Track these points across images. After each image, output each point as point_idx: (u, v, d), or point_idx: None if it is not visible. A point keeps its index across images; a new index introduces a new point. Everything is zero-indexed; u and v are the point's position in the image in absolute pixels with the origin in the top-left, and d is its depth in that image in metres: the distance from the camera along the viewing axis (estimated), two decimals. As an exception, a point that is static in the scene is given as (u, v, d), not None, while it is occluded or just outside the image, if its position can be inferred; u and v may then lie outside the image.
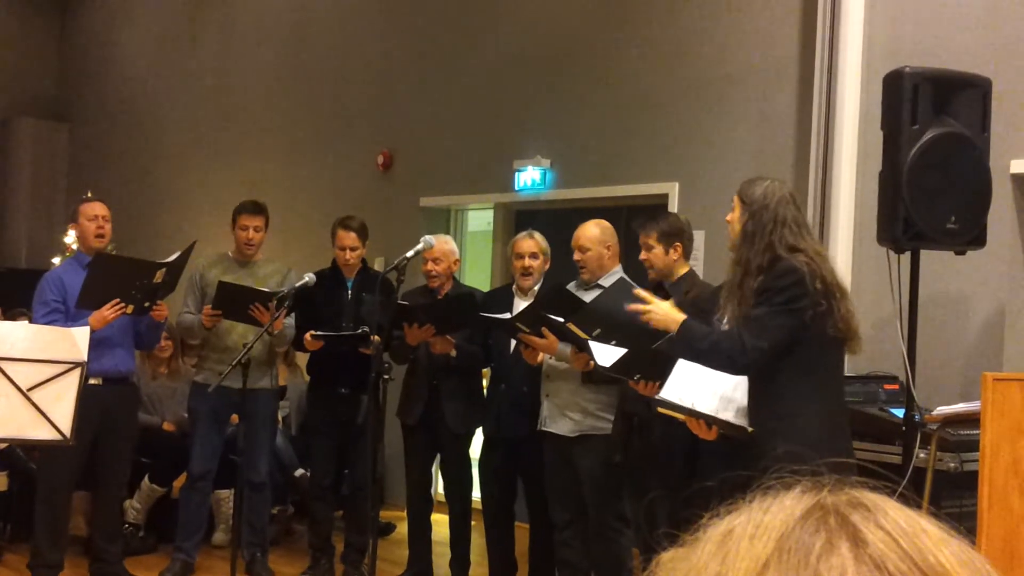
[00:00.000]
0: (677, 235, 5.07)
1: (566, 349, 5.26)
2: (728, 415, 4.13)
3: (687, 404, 4.10)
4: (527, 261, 5.88)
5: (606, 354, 4.49)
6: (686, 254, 5.14)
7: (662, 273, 5.10)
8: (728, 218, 4.22)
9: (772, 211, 4.03)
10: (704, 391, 4.16)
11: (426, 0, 9.16)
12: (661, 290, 5.11)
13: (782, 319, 3.92)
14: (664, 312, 4.16)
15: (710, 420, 4.10)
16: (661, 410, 4.19)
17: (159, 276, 5.86)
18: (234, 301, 6.04)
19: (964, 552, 0.74)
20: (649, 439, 4.86)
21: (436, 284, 6.21)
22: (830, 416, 4.05)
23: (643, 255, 5.12)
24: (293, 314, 6.26)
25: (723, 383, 4.17)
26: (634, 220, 5.38)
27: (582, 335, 4.85)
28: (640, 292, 4.33)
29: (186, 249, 6.08)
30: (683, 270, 5.12)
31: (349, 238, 6.42)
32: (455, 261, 6.32)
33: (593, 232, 5.55)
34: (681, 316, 4.11)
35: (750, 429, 4.06)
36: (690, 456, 4.57)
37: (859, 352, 4.14)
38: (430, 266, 6.18)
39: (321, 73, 9.99)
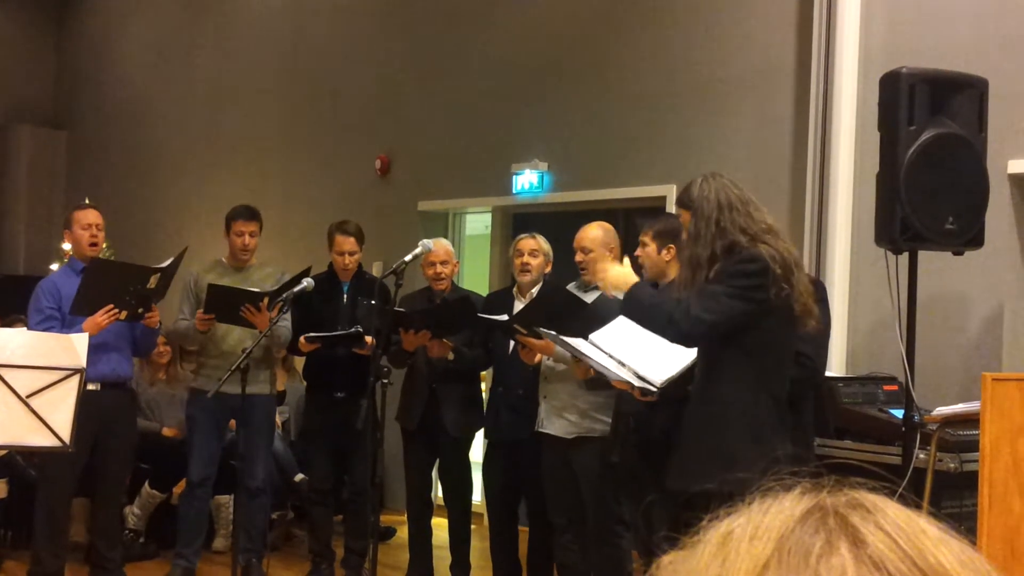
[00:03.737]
0: (672, 236, 5.06)
1: (563, 351, 5.27)
2: (633, 371, 4.22)
3: (574, 344, 4.18)
4: (526, 258, 5.89)
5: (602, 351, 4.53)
6: (680, 256, 5.13)
7: (652, 272, 5.11)
8: (684, 237, 4.22)
9: (713, 201, 4.02)
10: (629, 346, 4.23)
11: (423, 5, 9.17)
12: (654, 289, 5.12)
13: (736, 302, 3.89)
14: (618, 273, 4.18)
15: (592, 366, 4.18)
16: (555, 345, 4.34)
17: (152, 282, 5.87)
18: (225, 303, 6.03)
19: (964, 552, 0.74)
20: (647, 441, 4.86)
21: (443, 287, 6.22)
22: (766, 407, 4.01)
23: (638, 251, 5.13)
24: (288, 313, 6.24)
25: (656, 347, 4.22)
26: (637, 219, 5.40)
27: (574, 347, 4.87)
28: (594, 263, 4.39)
29: (178, 255, 6.08)
30: (677, 271, 5.11)
31: (348, 243, 6.42)
32: (456, 262, 6.35)
33: (596, 234, 5.55)
34: (635, 278, 4.13)
35: (650, 387, 4.16)
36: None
37: (812, 326, 4.08)
38: (439, 268, 6.18)
39: (318, 78, 10.00)
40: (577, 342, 4.45)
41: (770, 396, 4.02)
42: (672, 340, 4.07)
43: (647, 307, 4.04)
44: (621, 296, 4.24)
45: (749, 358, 3.97)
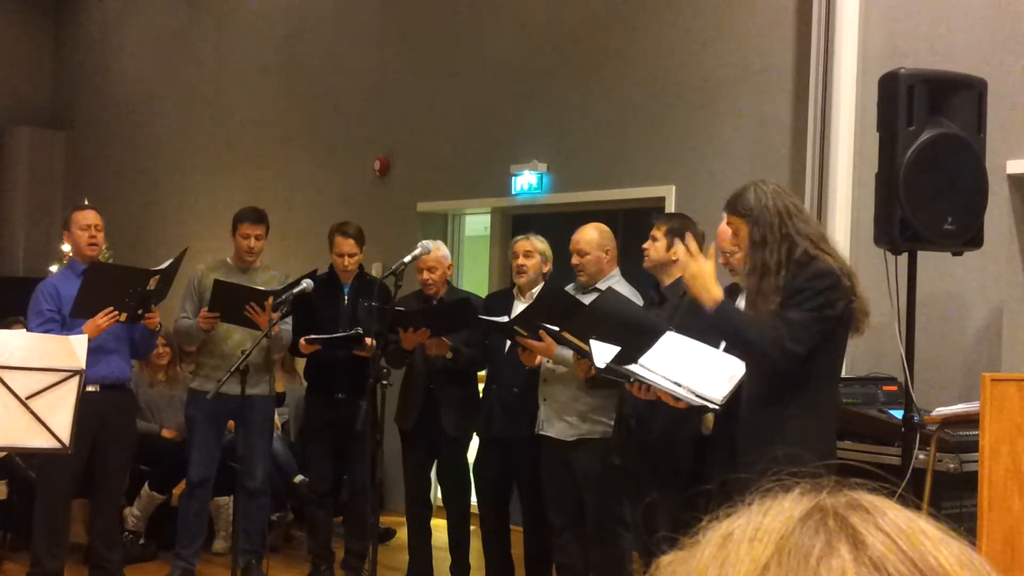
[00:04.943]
0: (683, 237, 5.06)
1: (564, 352, 5.27)
2: (690, 390, 4.17)
3: (635, 370, 4.13)
4: (521, 260, 5.89)
5: (605, 355, 4.49)
6: None
7: (655, 266, 5.11)
8: (733, 243, 4.18)
9: (773, 208, 4.01)
10: (680, 365, 4.19)
11: (422, 6, 9.17)
12: (657, 291, 5.12)
13: (819, 325, 3.92)
14: (706, 279, 4.04)
15: (675, 395, 4.12)
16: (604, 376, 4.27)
17: (152, 283, 5.87)
18: (230, 301, 6.03)
19: (964, 553, 0.74)
20: (647, 441, 4.87)
21: (432, 291, 6.23)
22: (830, 417, 4.08)
23: (646, 244, 5.13)
24: (290, 317, 6.25)
25: (706, 360, 4.19)
26: (653, 212, 5.39)
27: (578, 343, 4.85)
28: (692, 245, 4.22)
29: (178, 256, 6.08)
30: (681, 272, 5.10)
31: (347, 244, 6.42)
32: (448, 266, 6.33)
33: (592, 236, 5.55)
34: (720, 293, 4.04)
35: (711, 404, 4.08)
36: (695, 458, 4.58)
37: (863, 333, 4.14)
38: (425, 275, 6.18)
39: (317, 79, 10.00)
40: (631, 368, 4.38)
41: (836, 401, 4.12)
42: (765, 369, 4.04)
43: (741, 335, 4.01)
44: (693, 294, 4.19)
45: (816, 368, 4.01)
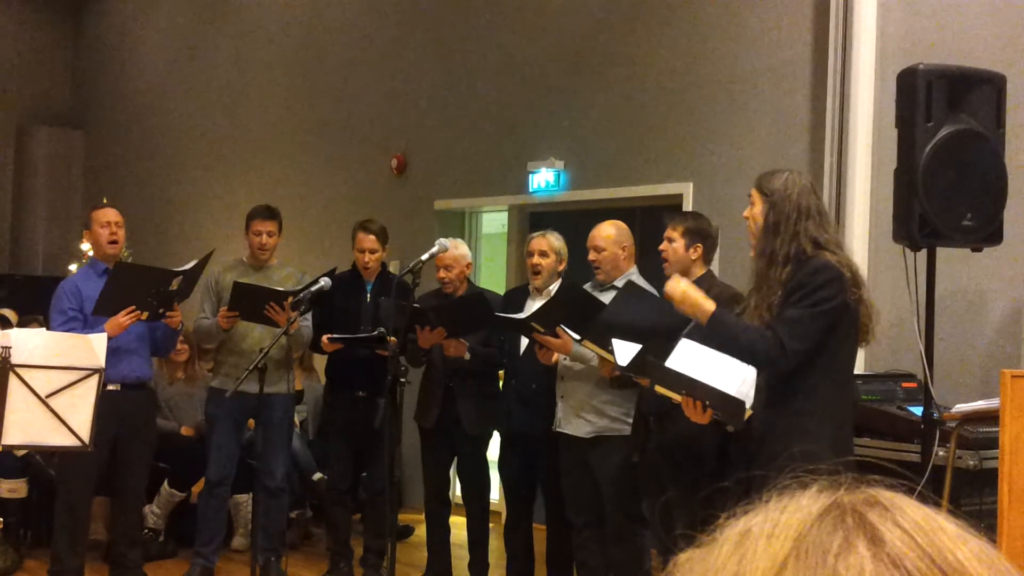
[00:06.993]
0: (702, 236, 5.05)
1: (581, 349, 5.26)
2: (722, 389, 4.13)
3: (690, 374, 4.11)
4: (536, 259, 5.87)
5: (627, 353, 4.47)
6: (706, 257, 5.10)
7: (675, 269, 5.09)
8: (746, 214, 4.21)
9: (795, 202, 4.03)
10: (705, 373, 4.16)
11: (438, 3, 9.18)
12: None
13: (820, 320, 3.92)
14: (694, 299, 4.12)
15: (710, 392, 4.08)
16: (659, 389, 4.21)
17: (175, 284, 5.89)
18: (249, 301, 6.06)
19: (983, 550, 0.74)
20: (666, 439, 4.86)
21: (450, 290, 6.22)
22: (842, 415, 4.07)
23: (663, 246, 5.10)
24: (310, 314, 6.28)
25: (723, 367, 4.16)
26: (665, 214, 5.37)
27: (599, 351, 4.84)
28: (676, 277, 4.31)
29: (203, 258, 6.10)
30: (700, 271, 5.09)
31: (368, 240, 6.44)
32: (467, 265, 6.31)
33: (609, 232, 5.54)
34: (711, 306, 4.08)
35: (749, 410, 4.04)
36: (718, 456, 4.57)
37: (871, 341, 4.15)
38: (442, 273, 6.18)
39: (334, 77, 10.02)
40: (669, 365, 4.33)
41: (850, 398, 4.11)
42: (768, 372, 4.04)
43: (742, 346, 4.00)
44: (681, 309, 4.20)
45: (824, 365, 4.00)
